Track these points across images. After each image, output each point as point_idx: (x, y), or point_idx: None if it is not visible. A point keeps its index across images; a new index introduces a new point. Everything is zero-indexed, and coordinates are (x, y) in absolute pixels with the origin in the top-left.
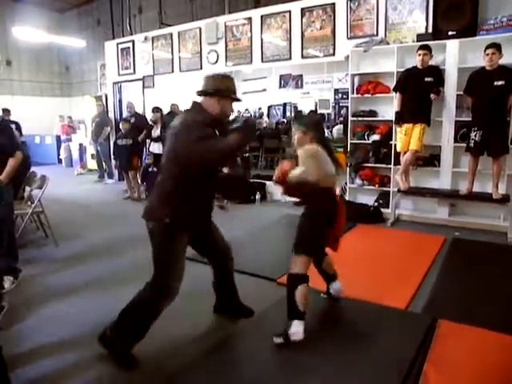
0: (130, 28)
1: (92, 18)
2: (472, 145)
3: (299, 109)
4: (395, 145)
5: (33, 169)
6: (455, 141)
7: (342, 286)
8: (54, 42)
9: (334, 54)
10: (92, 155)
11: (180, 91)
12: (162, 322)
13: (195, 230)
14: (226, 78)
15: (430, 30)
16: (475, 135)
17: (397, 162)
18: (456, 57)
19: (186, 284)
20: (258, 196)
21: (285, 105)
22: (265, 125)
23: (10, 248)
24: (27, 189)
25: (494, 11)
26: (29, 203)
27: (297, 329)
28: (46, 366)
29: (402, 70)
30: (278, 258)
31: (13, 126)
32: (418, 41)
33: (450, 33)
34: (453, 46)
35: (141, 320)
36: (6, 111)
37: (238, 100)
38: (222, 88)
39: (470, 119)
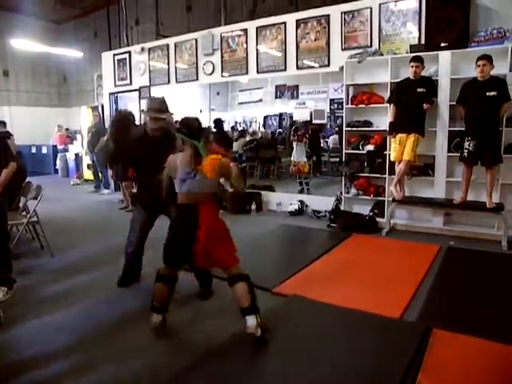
0: (127, 39)
1: (89, 30)
2: (466, 154)
3: (294, 119)
4: (390, 155)
5: (28, 179)
6: (449, 150)
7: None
8: (51, 52)
9: (328, 65)
10: (88, 165)
11: (176, 102)
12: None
13: (150, 208)
14: (150, 99)
15: (423, 41)
16: (469, 145)
17: (391, 172)
18: (448, 68)
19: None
20: (253, 206)
21: (281, 115)
22: (260, 135)
23: (4, 258)
24: (22, 199)
25: (484, 24)
26: (24, 213)
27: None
28: (42, 374)
29: (396, 80)
30: (274, 267)
31: None
32: (411, 52)
33: (442, 44)
34: (445, 57)
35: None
36: (2, 123)
37: (155, 118)
38: (144, 107)
39: (463, 129)
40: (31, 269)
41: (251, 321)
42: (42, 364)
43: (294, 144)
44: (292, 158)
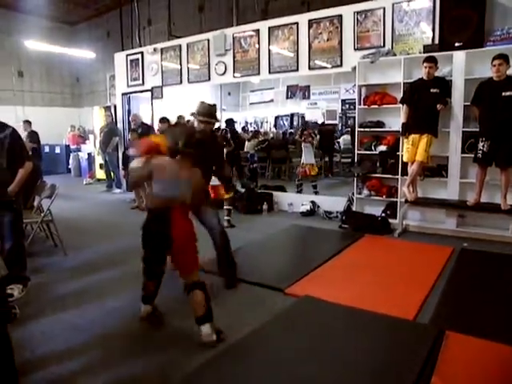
0: (140, 40)
1: (102, 30)
2: (480, 155)
3: (306, 119)
4: (402, 155)
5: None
6: (463, 151)
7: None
8: (64, 53)
9: (341, 65)
10: (100, 165)
11: (188, 102)
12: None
13: None
14: (200, 104)
15: (437, 41)
16: (483, 146)
17: (404, 173)
18: (463, 68)
19: None
20: (265, 206)
21: (292, 115)
22: (271, 135)
23: (19, 256)
24: (37, 198)
25: (500, 23)
26: (38, 212)
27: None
28: (55, 372)
29: (409, 80)
30: (285, 268)
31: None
32: (424, 52)
33: (456, 44)
34: (459, 57)
35: None
36: (28, 122)
37: (203, 122)
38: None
39: (477, 130)
40: (45, 267)
41: (206, 330)
42: (55, 362)
43: (303, 145)
44: (302, 160)
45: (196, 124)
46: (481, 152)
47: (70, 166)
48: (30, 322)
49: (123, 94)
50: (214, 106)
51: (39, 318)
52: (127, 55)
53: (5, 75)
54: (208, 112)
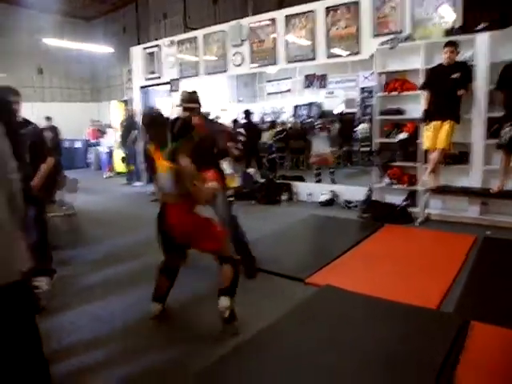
0: (156, 33)
1: (118, 25)
2: (504, 141)
3: (324, 108)
4: (423, 143)
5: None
6: (487, 137)
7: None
8: (82, 49)
9: (359, 53)
10: (123, 158)
11: (205, 94)
12: (188, 318)
13: None
14: (182, 92)
15: (458, 24)
16: (509, 130)
17: (425, 161)
18: (486, 50)
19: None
20: (284, 196)
21: (310, 105)
22: (290, 125)
23: (43, 250)
24: (59, 192)
25: None
26: (61, 206)
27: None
28: (83, 361)
29: (430, 66)
30: (305, 257)
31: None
32: (445, 36)
33: (479, 26)
34: (482, 39)
35: None
36: (48, 118)
37: (186, 109)
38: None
39: (502, 115)
40: (69, 260)
41: (224, 302)
42: (82, 352)
43: (314, 136)
44: (313, 150)
45: (181, 113)
46: (505, 138)
47: (88, 161)
48: (56, 313)
49: (141, 88)
50: (195, 92)
51: (65, 310)
52: (144, 48)
53: (26, 73)
54: (189, 98)
